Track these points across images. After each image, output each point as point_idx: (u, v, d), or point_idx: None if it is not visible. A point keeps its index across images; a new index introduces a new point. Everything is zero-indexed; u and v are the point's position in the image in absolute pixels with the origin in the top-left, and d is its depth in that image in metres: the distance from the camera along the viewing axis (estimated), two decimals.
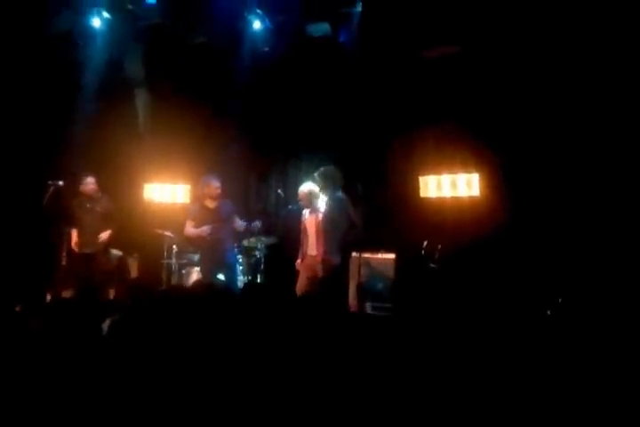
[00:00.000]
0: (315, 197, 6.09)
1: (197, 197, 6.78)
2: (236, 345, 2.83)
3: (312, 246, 6.08)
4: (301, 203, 6.20)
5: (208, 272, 6.54)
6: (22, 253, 6.84)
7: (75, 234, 6.68)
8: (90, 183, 6.66)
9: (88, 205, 6.68)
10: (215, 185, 6.46)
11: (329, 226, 5.86)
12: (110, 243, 6.83)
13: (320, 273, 5.87)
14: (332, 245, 5.84)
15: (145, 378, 2.55)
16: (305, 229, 6.18)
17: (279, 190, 7.38)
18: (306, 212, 6.21)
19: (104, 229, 6.68)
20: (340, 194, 5.88)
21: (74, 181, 6.69)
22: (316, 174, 5.97)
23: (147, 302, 3.35)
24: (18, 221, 6.94)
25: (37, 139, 7.22)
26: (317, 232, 6.04)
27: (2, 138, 6.97)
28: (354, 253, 6.45)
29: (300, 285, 6.03)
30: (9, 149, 7.02)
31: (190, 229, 6.49)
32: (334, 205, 5.84)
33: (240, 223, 6.54)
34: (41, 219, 6.58)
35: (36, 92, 7.10)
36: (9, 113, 6.98)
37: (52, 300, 5.44)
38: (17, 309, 3.83)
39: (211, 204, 6.49)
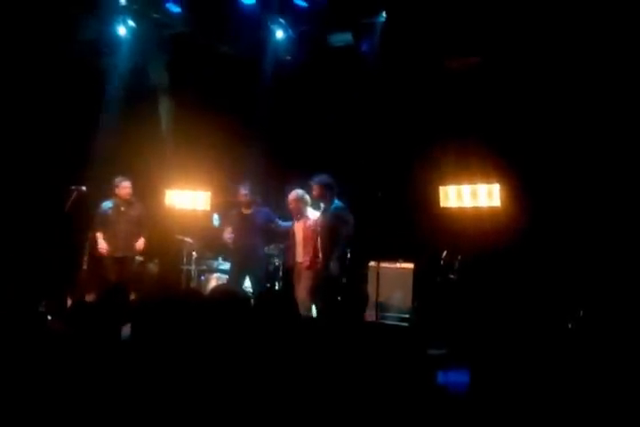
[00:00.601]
0: (305, 204, 6.10)
1: (234, 204, 6.84)
2: (248, 353, 2.83)
3: (299, 254, 6.11)
4: (290, 209, 6.20)
5: (232, 279, 6.59)
6: (45, 257, 6.91)
7: (100, 238, 6.68)
8: (126, 187, 6.72)
9: (122, 209, 6.73)
10: (242, 192, 6.52)
11: (329, 234, 5.75)
12: (145, 249, 6.88)
13: (310, 281, 5.85)
14: (331, 254, 5.72)
15: (158, 382, 2.57)
16: (293, 236, 6.19)
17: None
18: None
19: (137, 234, 6.75)
20: (339, 202, 5.85)
21: (108, 184, 6.75)
22: (312, 182, 5.89)
23: (165, 307, 3.38)
24: (41, 225, 7.02)
25: (62, 144, 7.32)
26: (305, 239, 6.04)
27: (28, 143, 7.08)
28: (371, 263, 6.44)
29: (299, 295, 5.80)
30: (34, 154, 7.12)
31: (225, 234, 6.59)
32: (335, 213, 5.77)
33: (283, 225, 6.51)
34: (63, 223, 6.65)
35: (62, 99, 7.21)
36: (36, 120, 7.09)
37: (73, 302, 5.47)
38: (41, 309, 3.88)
39: (245, 211, 6.57)
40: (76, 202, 6.45)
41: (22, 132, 7.00)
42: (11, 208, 6.90)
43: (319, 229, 5.91)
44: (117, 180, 6.73)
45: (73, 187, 6.47)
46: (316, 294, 5.66)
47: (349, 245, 5.81)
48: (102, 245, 6.66)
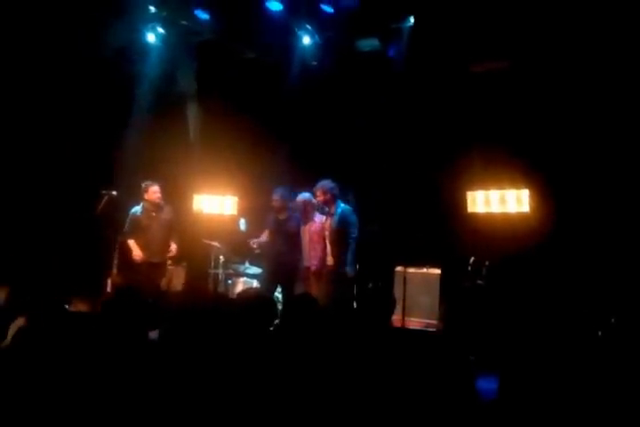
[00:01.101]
0: (313, 208, 6.18)
1: (269, 209, 6.85)
2: (274, 358, 2.84)
3: (306, 257, 6.18)
4: (297, 213, 6.30)
5: (263, 284, 6.61)
6: (75, 260, 7.02)
7: (133, 244, 6.63)
8: (156, 191, 6.67)
9: (154, 214, 6.69)
10: (273, 198, 6.56)
11: (338, 237, 5.88)
12: (178, 254, 6.86)
13: (328, 285, 5.88)
14: (344, 257, 5.85)
15: (184, 384, 2.59)
16: (300, 239, 6.27)
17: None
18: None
19: (169, 238, 6.70)
20: (344, 205, 5.98)
21: (137, 189, 6.78)
22: (317, 188, 6.00)
23: (193, 312, 3.41)
24: (72, 228, 7.14)
25: (93, 149, 7.44)
26: (311, 242, 6.11)
27: (60, 147, 7.21)
28: (398, 268, 6.42)
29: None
30: (66, 159, 7.24)
31: (252, 239, 6.65)
32: (342, 215, 5.89)
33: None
34: (94, 226, 6.74)
35: (94, 105, 7.34)
36: (67, 126, 7.22)
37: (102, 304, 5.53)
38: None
39: (281, 216, 6.56)
40: (107, 206, 6.54)
41: (55, 136, 7.14)
42: (43, 212, 7.03)
43: (327, 232, 6.00)
44: (146, 184, 6.67)
45: (104, 191, 6.57)
46: (336, 297, 5.74)
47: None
48: (137, 252, 6.58)
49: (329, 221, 6.00)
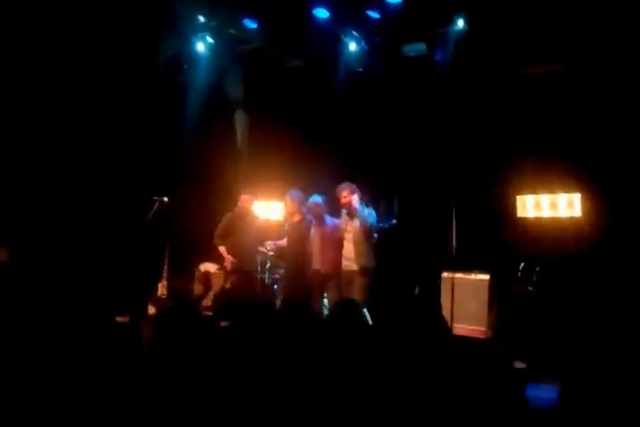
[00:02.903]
0: (324, 211, 6.23)
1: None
2: (322, 365, 2.85)
3: (316, 260, 6.19)
4: (309, 216, 6.32)
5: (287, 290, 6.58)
6: (126, 266, 7.17)
7: (224, 252, 6.74)
8: (246, 200, 6.80)
9: (244, 222, 6.80)
10: (287, 201, 6.61)
11: (364, 236, 5.95)
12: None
13: (360, 279, 5.85)
14: (368, 254, 5.96)
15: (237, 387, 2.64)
16: (309, 243, 6.29)
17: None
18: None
19: (257, 246, 6.79)
20: (368, 207, 6.02)
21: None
22: (339, 190, 6.04)
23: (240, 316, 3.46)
24: (124, 234, 7.30)
25: (145, 156, 7.63)
26: (323, 245, 6.14)
27: (113, 154, 7.41)
28: (445, 274, 6.36)
29: (315, 305, 5.98)
30: (119, 165, 7.44)
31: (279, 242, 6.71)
32: (367, 217, 5.93)
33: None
34: (146, 232, 6.89)
35: (145, 113, 7.53)
36: (121, 133, 7.43)
37: (159, 309, 5.62)
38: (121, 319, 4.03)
39: (295, 218, 6.60)
40: (158, 212, 6.68)
41: (108, 143, 7.35)
42: (96, 218, 7.22)
43: (348, 234, 6.02)
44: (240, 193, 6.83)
45: (155, 197, 6.72)
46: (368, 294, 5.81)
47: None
48: (229, 259, 6.71)
49: (354, 222, 6.02)
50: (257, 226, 6.91)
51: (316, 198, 6.28)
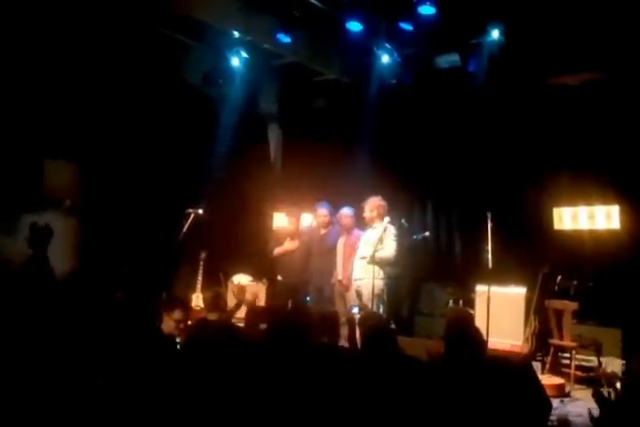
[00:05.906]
0: (354, 222, 6.34)
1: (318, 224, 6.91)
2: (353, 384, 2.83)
3: (339, 271, 6.28)
4: (341, 227, 6.42)
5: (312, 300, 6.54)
6: (161, 277, 7.24)
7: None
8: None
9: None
10: (319, 213, 6.68)
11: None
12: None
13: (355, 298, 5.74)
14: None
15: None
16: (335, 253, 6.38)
17: (402, 220, 7.35)
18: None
19: (305, 260, 6.72)
20: (391, 223, 6.06)
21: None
22: (367, 204, 6.13)
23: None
24: (159, 246, 7.39)
25: (179, 170, 7.74)
26: (346, 256, 6.22)
27: (148, 168, 7.53)
28: (480, 287, 6.26)
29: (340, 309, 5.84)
30: (154, 178, 7.55)
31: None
32: (392, 231, 6.00)
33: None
34: (180, 245, 6.95)
35: (181, 127, 7.65)
36: (156, 147, 7.55)
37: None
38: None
39: (323, 231, 6.66)
40: (193, 224, 6.76)
41: (144, 157, 7.47)
42: (131, 231, 7.32)
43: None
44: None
45: (190, 210, 6.80)
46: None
47: None
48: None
49: (375, 234, 6.04)
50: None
51: (347, 210, 6.41)
